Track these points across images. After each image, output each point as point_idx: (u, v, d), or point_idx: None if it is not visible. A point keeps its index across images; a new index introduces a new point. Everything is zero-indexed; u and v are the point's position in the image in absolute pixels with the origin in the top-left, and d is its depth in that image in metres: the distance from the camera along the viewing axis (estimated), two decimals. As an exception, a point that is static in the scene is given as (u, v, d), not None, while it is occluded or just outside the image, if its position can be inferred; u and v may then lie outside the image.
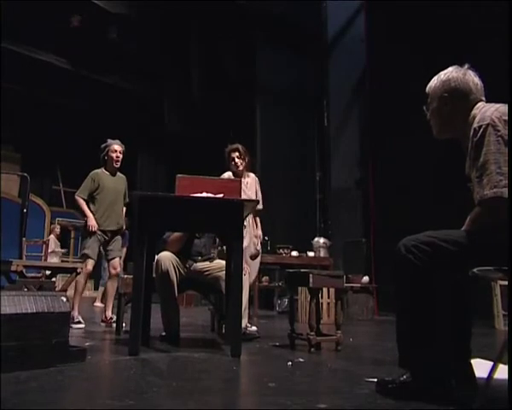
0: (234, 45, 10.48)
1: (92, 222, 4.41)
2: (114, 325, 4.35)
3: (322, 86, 9.41)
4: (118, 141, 4.72)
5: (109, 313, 4.55)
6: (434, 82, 2.08)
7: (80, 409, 1.63)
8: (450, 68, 2.06)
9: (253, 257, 4.29)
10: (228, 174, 4.29)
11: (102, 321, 4.54)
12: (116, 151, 4.65)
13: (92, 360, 2.49)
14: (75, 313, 4.23)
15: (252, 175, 4.43)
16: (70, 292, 4.85)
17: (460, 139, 2.03)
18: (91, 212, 4.48)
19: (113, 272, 4.60)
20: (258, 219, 4.42)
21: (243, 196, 3.96)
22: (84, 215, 4.49)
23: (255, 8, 9.32)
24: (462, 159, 2.15)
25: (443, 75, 2.05)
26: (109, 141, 4.72)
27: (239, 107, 10.06)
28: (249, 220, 4.25)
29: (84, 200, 4.51)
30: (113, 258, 4.60)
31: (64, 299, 2.39)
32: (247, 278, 4.00)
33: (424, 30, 6.87)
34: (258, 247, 4.35)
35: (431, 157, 6.19)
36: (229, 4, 9.20)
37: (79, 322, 4.25)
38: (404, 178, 6.99)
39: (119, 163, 4.68)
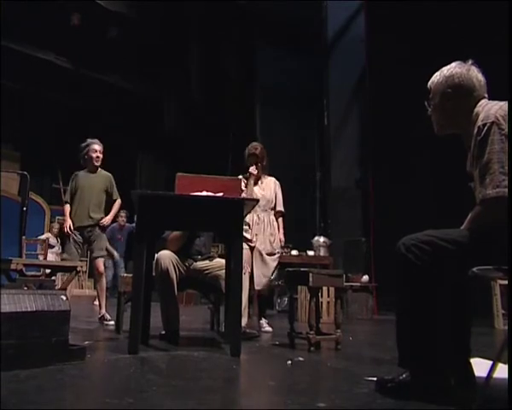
0: (234, 45, 10.49)
1: (66, 224, 4.59)
2: (107, 323, 4.41)
3: (322, 86, 9.41)
4: (97, 140, 4.80)
5: (102, 311, 4.61)
6: (437, 77, 2.04)
7: (80, 408, 1.64)
8: (453, 64, 2.02)
9: (269, 254, 4.22)
10: (240, 177, 4.17)
11: (99, 319, 4.60)
12: (96, 151, 4.73)
13: (92, 358, 2.49)
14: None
15: (270, 178, 4.44)
16: (72, 291, 4.91)
17: (462, 136, 2.00)
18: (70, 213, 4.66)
19: (95, 272, 4.68)
20: (280, 220, 4.43)
21: (259, 193, 4.23)
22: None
23: (255, 7, 9.32)
24: (462, 158, 2.14)
25: (446, 70, 2.02)
26: (89, 140, 4.79)
27: (239, 106, 10.06)
28: (264, 219, 4.27)
29: (67, 203, 4.72)
30: (95, 258, 4.64)
31: (64, 297, 2.39)
32: (247, 277, 4.02)
33: (424, 30, 6.86)
34: (275, 245, 4.27)
35: (430, 156, 6.20)
36: (229, 4, 9.20)
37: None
38: (404, 177, 6.99)
39: (99, 162, 4.76)
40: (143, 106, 11.67)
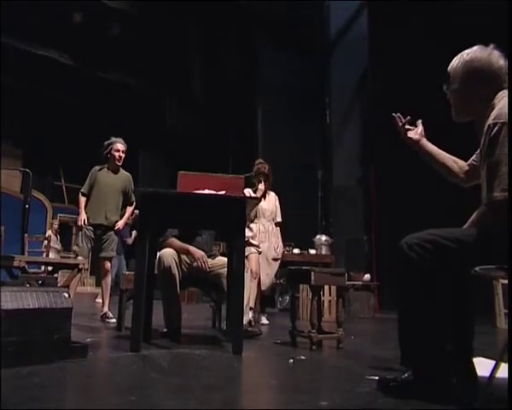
0: (236, 44, 10.48)
1: (80, 217, 4.51)
2: (109, 320, 4.42)
3: (324, 84, 9.39)
4: (121, 140, 4.76)
5: (105, 309, 4.60)
6: (456, 61, 1.97)
7: (82, 405, 1.64)
8: (474, 48, 1.95)
9: (273, 259, 4.81)
10: (247, 191, 4.65)
11: (101, 317, 4.59)
12: (119, 151, 4.68)
13: (94, 356, 2.49)
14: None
15: (272, 193, 4.98)
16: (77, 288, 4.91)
17: (475, 126, 1.95)
18: (86, 206, 4.60)
19: (102, 269, 4.67)
20: (278, 229, 4.96)
21: (265, 206, 4.78)
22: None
23: (257, 6, 9.31)
24: (465, 157, 2.14)
25: (466, 55, 1.95)
26: (113, 139, 4.75)
27: (241, 105, 10.06)
28: (269, 228, 4.82)
29: (84, 196, 4.65)
30: (105, 258, 4.64)
31: (66, 295, 2.39)
32: (249, 276, 4.05)
33: (426, 28, 6.84)
34: (278, 251, 4.86)
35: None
36: (231, 3, 9.19)
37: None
38: (406, 175, 6.97)
39: (121, 162, 4.71)
40: (145, 103, 11.68)
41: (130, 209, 4.83)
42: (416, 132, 2.19)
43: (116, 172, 4.73)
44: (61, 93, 11.16)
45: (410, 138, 2.19)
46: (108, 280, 4.70)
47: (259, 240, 4.72)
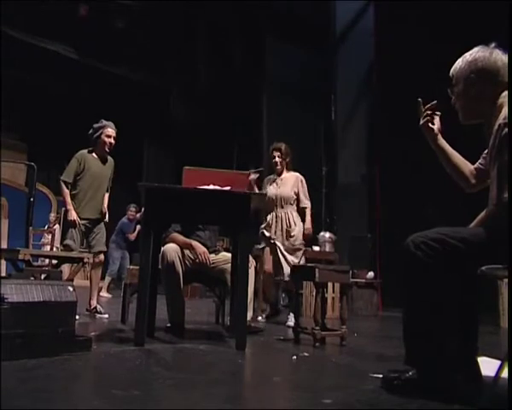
0: (242, 38, 10.44)
1: (72, 216, 4.13)
2: (102, 316, 4.28)
3: (329, 80, 9.36)
4: (112, 124, 4.38)
5: (94, 302, 4.36)
6: (459, 63, 1.96)
7: (85, 398, 1.64)
8: (475, 48, 1.94)
9: (290, 251, 4.32)
10: (267, 178, 4.55)
11: (87, 310, 4.33)
12: (110, 136, 4.32)
13: (98, 349, 2.50)
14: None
15: (292, 173, 4.53)
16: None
17: (483, 126, 1.93)
18: (71, 196, 4.22)
19: (96, 260, 4.38)
20: (307, 213, 4.44)
21: (274, 191, 4.40)
22: (64, 205, 4.25)
23: (264, 1, 9.27)
24: (470, 156, 2.11)
25: (468, 56, 1.94)
26: (104, 122, 4.36)
27: (246, 100, 10.04)
28: (282, 216, 4.38)
29: (68, 185, 4.22)
30: (98, 252, 4.36)
31: (71, 288, 2.40)
32: (253, 271, 4.02)
33: (433, 24, 6.79)
34: (293, 240, 4.33)
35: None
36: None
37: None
38: (411, 173, 6.95)
39: (110, 149, 4.36)
40: (150, 97, 11.67)
41: (107, 196, 4.48)
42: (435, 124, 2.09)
43: (105, 160, 4.37)
44: (66, 86, 11.16)
45: (432, 129, 2.06)
46: (99, 273, 4.47)
47: (273, 230, 4.37)
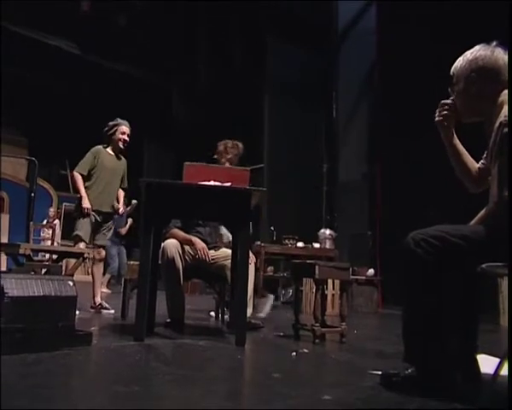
0: (243, 36, 10.42)
1: (86, 204, 4.18)
2: (109, 311, 4.28)
3: (331, 78, 9.34)
4: (127, 122, 4.51)
5: (98, 299, 4.37)
6: (460, 62, 1.96)
7: (85, 393, 1.65)
8: (476, 47, 1.94)
9: None
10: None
11: (92, 307, 4.33)
12: (125, 133, 4.44)
13: (98, 344, 2.50)
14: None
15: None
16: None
17: (484, 124, 1.92)
18: (84, 187, 4.27)
19: (97, 256, 4.42)
20: None
21: None
22: (79, 194, 4.27)
23: (264, 0, 9.24)
24: (471, 154, 2.11)
25: (469, 54, 1.94)
26: (119, 120, 4.48)
27: (246, 100, 10.02)
28: None
29: (82, 177, 4.29)
30: (102, 246, 4.41)
31: (71, 283, 2.40)
32: (253, 267, 4.02)
33: (435, 24, 6.76)
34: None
35: (439, 151, 6.10)
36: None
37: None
38: (412, 171, 6.94)
39: (124, 146, 4.48)
40: (151, 94, 11.66)
41: (123, 195, 4.60)
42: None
43: (119, 156, 4.50)
44: (68, 82, 11.16)
45: (447, 126, 2.01)
46: (101, 269, 4.53)
47: None
